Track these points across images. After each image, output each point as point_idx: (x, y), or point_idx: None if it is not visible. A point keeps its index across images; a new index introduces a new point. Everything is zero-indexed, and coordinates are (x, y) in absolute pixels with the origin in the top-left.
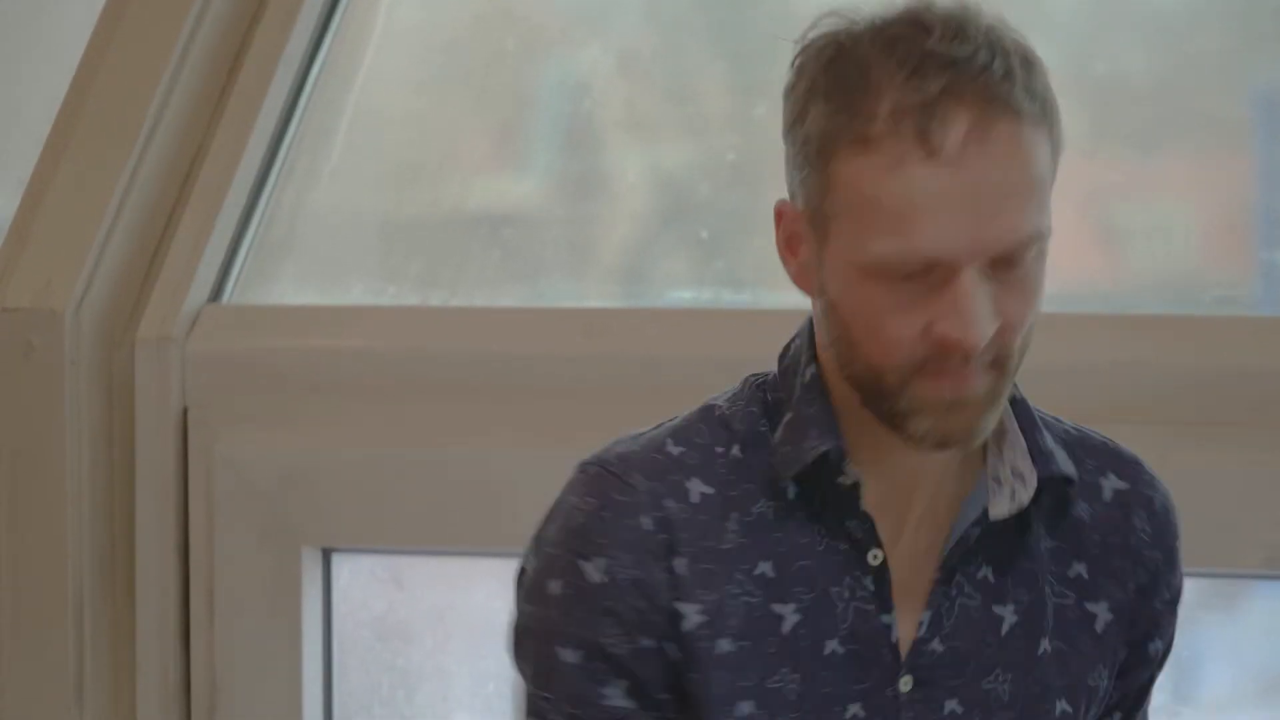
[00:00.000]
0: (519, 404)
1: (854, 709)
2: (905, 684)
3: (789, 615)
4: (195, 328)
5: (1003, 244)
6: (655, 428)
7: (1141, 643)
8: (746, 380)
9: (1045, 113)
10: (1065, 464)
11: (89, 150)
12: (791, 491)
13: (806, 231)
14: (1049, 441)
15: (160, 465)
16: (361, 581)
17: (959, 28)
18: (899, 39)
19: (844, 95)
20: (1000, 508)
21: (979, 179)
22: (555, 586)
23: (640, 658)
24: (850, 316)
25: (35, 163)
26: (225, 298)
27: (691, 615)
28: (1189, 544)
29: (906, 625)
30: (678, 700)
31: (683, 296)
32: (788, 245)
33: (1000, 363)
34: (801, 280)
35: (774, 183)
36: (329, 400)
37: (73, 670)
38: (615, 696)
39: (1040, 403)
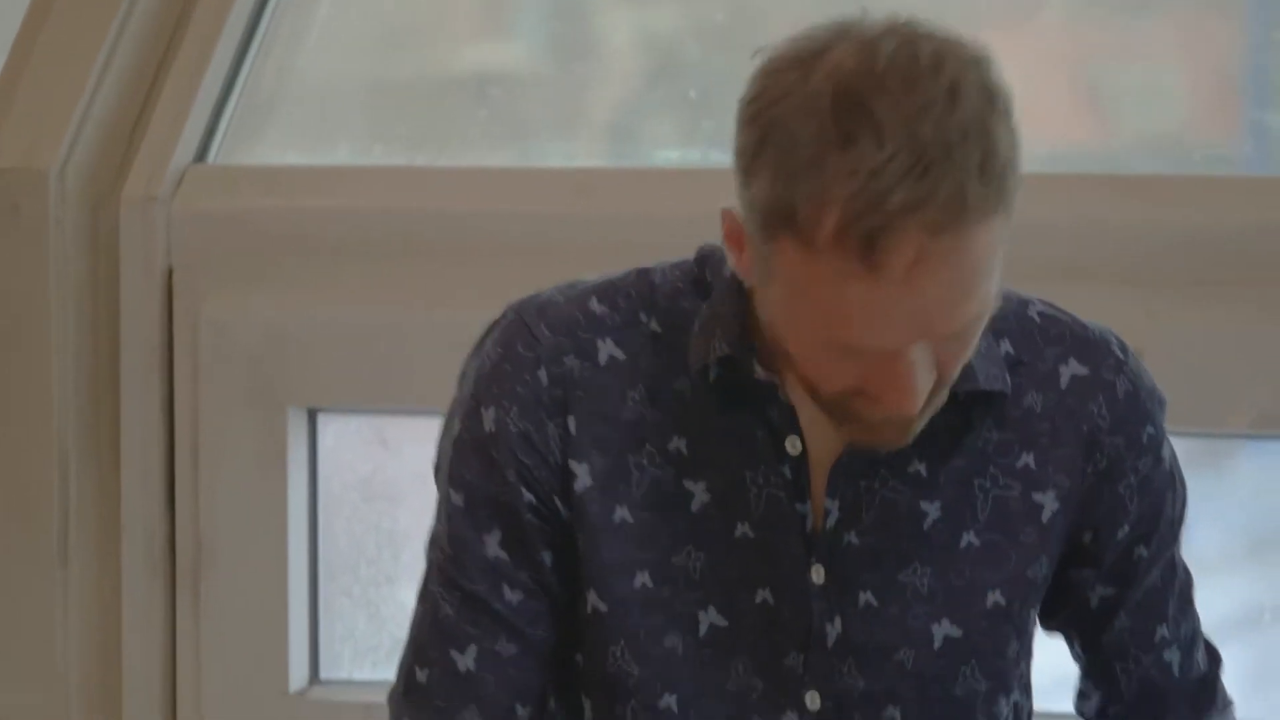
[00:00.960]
0: (507, 264)
1: (763, 594)
2: (817, 574)
3: (699, 494)
4: (180, 188)
5: (948, 332)
6: (597, 279)
7: (1105, 526)
8: (700, 249)
9: (1002, 195)
10: (991, 380)
11: (74, 11)
12: (713, 373)
13: (751, 255)
14: (988, 351)
15: (145, 325)
16: (347, 442)
17: (917, 110)
18: (855, 132)
19: (790, 183)
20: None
21: (925, 297)
22: (456, 427)
23: (522, 511)
24: (786, 343)
25: (20, 24)
26: (210, 158)
27: (583, 476)
28: (1178, 405)
29: (821, 515)
30: (562, 562)
31: (671, 156)
32: (732, 240)
33: (939, 385)
34: (744, 273)
35: (763, 43)
36: (315, 261)
37: (57, 530)
38: (491, 545)
39: (1030, 265)
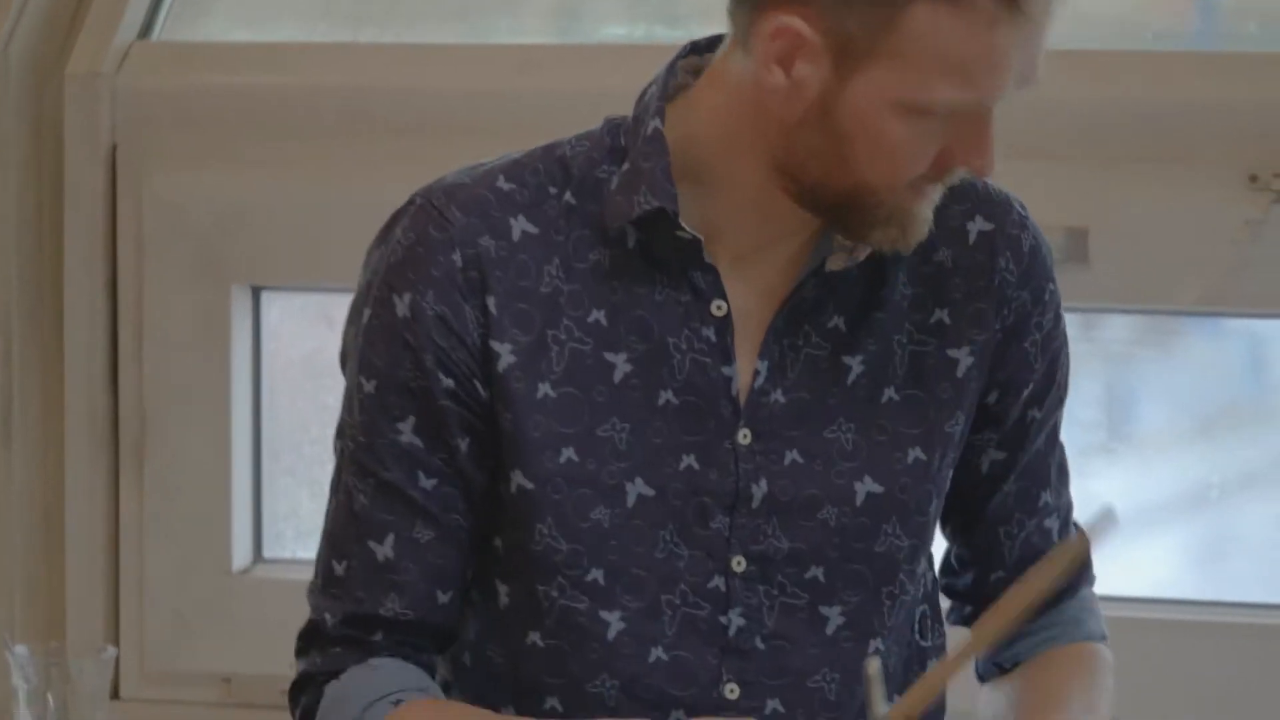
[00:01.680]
0: (452, 140)
1: (688, 460)
2: (743, 436)
3: (621, 364)
4: (125, 65)
5: (1038, 78)
6: (499, 159)
7: (1010, 385)
8: (607, 120)
9: None
10: None
11: None
12: (632, 240)
13: (823, 57)
14: None
15: (89, 203)
16: (291, 320)
17: None
18: None
19: None
20: (837, 262)
21: (1045, 31)
22: (367, 315)
23: (438, 396)
24: (859, 141)
25: None
26: (155, 35)
27: (505, 355)
28: (1126, 282)
29: (747, 377)
30: (478, 447)
31: (616, 33)
32: (780, 61)
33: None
34: (786, 95)
35: None
36: (260, 138)
37: (0, 408)
38: (405, 432)
39: None
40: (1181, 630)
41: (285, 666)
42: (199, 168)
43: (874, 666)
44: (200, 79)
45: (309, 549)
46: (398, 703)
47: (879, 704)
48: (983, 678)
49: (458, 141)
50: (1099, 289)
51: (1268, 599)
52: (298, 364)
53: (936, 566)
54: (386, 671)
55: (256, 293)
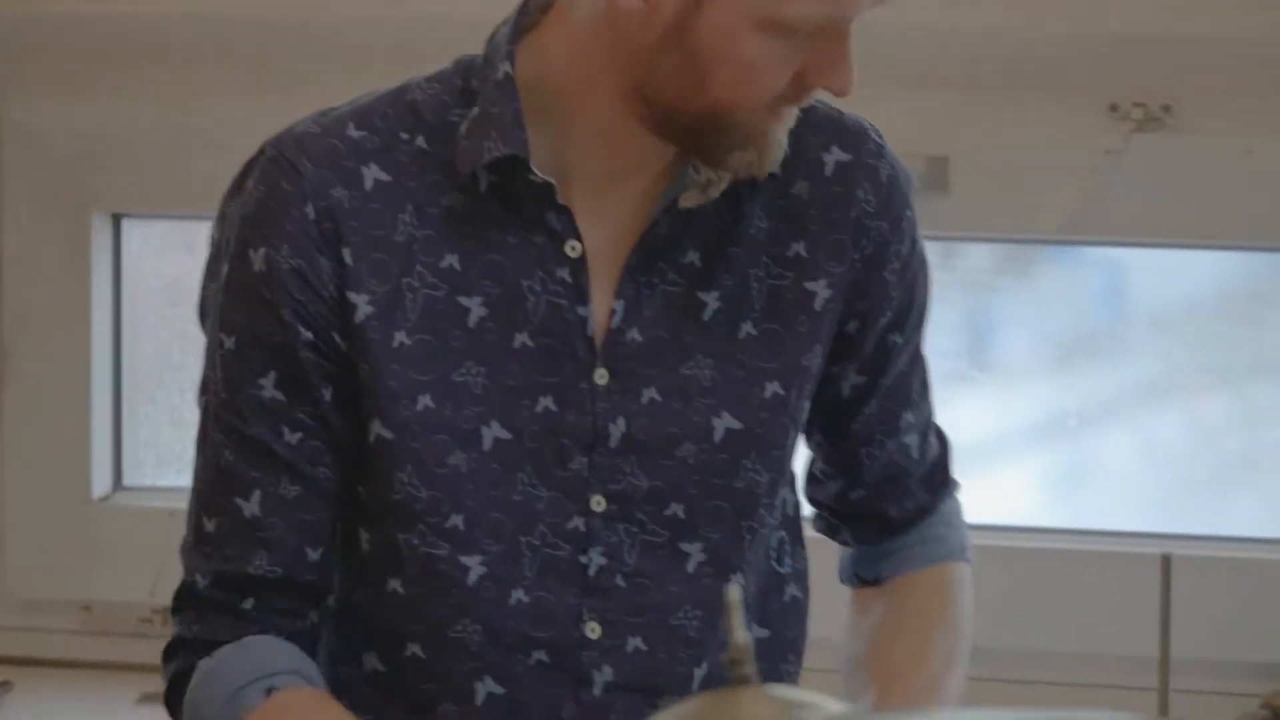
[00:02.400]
0: (316, 69)
1: (545, 402)
2: (600, 376)
3: (475, 308)
4: None
5: None
6: (349, 104)
7: (870, 313)
8: (457, 61)
9: None
10: None
11: None
12: (484, 184)
13: None
14: None
15: None
16: (152, 248)
17: None
18: None
19: None
20: (690, 199)
21: None
22: (224, 270)
23: (298, 349)
24: (717, 61)
25: None
26: None
27: (363, 306)
28: (987, 211)
29: (603, 317)
30: (342, 397)
31: None
32: None
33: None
34: (643, 18)
35: None
36: (121, 65)
37: None
38: (266, 387)
39: None
40: (1040, 558)
41: (145, 594)
42: (58, 95)
43: (734, 593)
44: (58, 5)
45: (169, 477)
46: (269, 690)
47: (739, 630)
48: (843, 582)
49: (321, 70)
50: (959, 218)
51: (1125, 527)
52: (159, 292)
53: (801, 475)
54: (260, 651)
55: (117, 220)
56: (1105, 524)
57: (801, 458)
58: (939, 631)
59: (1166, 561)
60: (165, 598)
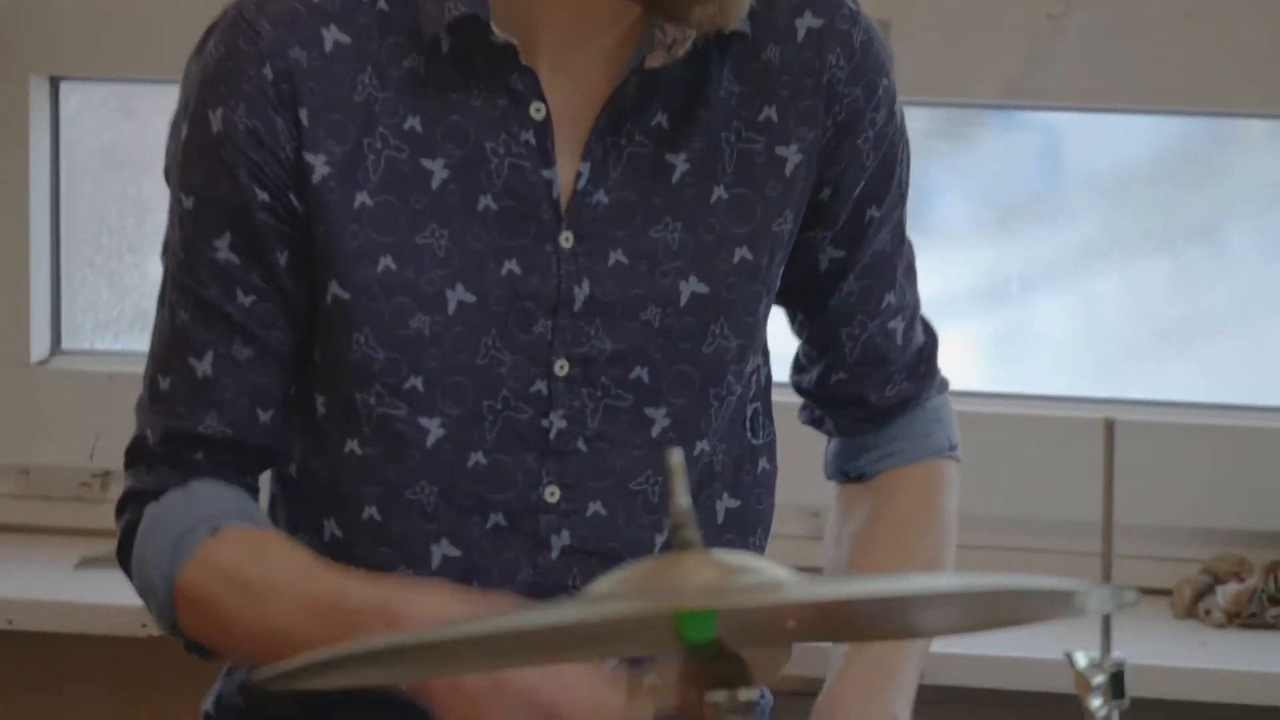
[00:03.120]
0: None
1: (509, 265)
2: (565, 240)
3: (438, 171)
4: None
5: None
6: None
7: (843, 182)
8: None
9: None
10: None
11: None
12: (446, 46)
13: None
14: None
15: None
16: (91, 110)
17: None
18: None
19: None
20: (656, 59)
21: None
22: (184, 131)
23: (255, 211)
24: None
25: None
26: None
27: (320, 167)
28: (928, 74)
29: (568, 180)
30: (298, 262)
31: None
32: None
33: None
34: None
35: None
36: None
37: None
38: (222, 249)
39: None
40: (982, 422)
41: (84, 458)
42: None
43: (676, 457)
44: None
45: (107, 341)
46: (214, 530)
47: (680, 495)
48: (829, 478)
49: None
50: (899, 82)
51: (1064, 392)
52: (97, 155)
53: (788, 364)
54: (205, 496)
55: (55, 83)
56: (1046, 389)
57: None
58: (922, 536)
59: (1110, 426)
60: (104, 462)
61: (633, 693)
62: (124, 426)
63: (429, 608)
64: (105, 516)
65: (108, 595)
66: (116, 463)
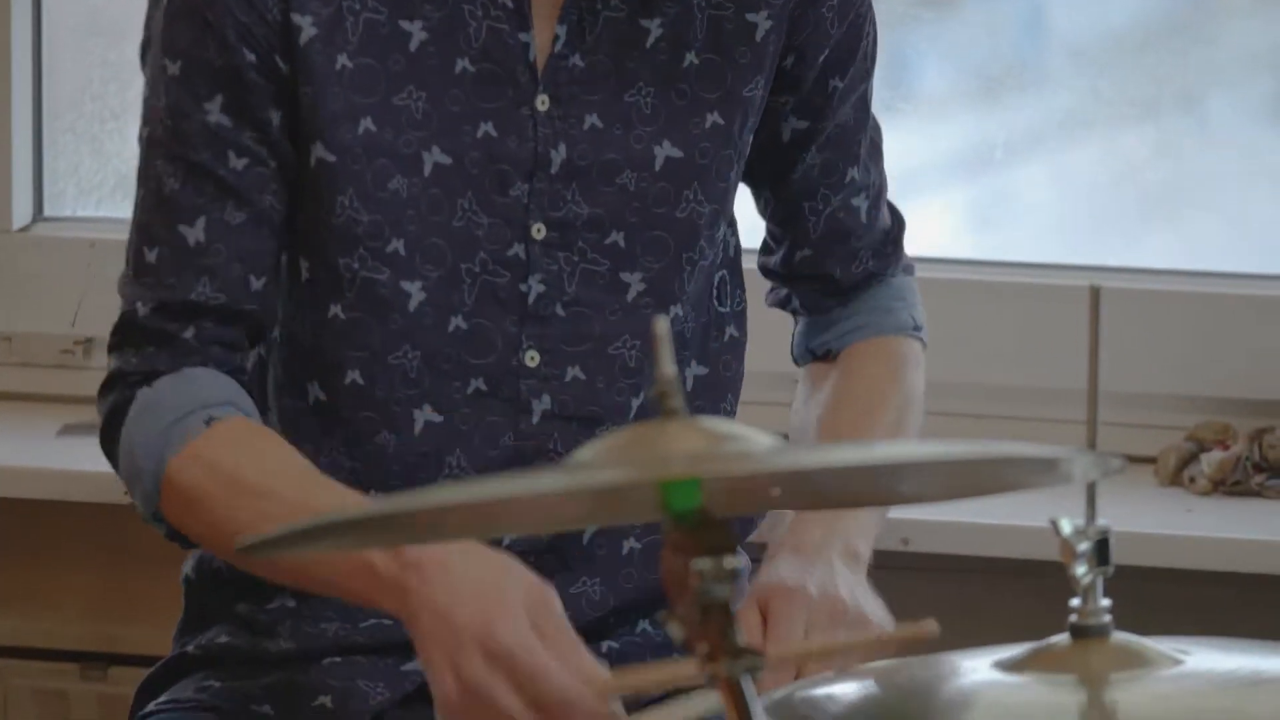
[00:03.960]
0: None
1: (485, 128)
2: (542, 102)
3: (416, 33)
4: None
5: None
6: None
7: (807, 50)
8: None
9: None
10: None
11: None
12: None
13: None
14: None
15: None
16: None
17: None
18: None
19: None
20: None
21: None
22: None
23: (244, 71)
24: None
25: None
26: None
27: (306, 28)
28: None
29: (545, 43)
30: (287, 123)
31: None
32: None
33: None
34: None
35: None
36: None
37: None
38: (213, 111)
39: None
40: (967, 290)
41: (66, 325)
42: None
43: (662, 325)
44: None
45: (89, 208)
46: (209, 420)
47: (666, 363)
48: (797, 360)
49: None
50: None
51: (1048, 259)
52: (80, 20)
53: (756, 237)
54: (198, 383)
55: None
56: (1030, 256)
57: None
58: (885, 400)
59: (1095, 293)
60: (87, 329)
61: (616, 678)
62: (107, 293)
63: None
64: (88, 384)
65: (91, 462)
66: (99, 329)
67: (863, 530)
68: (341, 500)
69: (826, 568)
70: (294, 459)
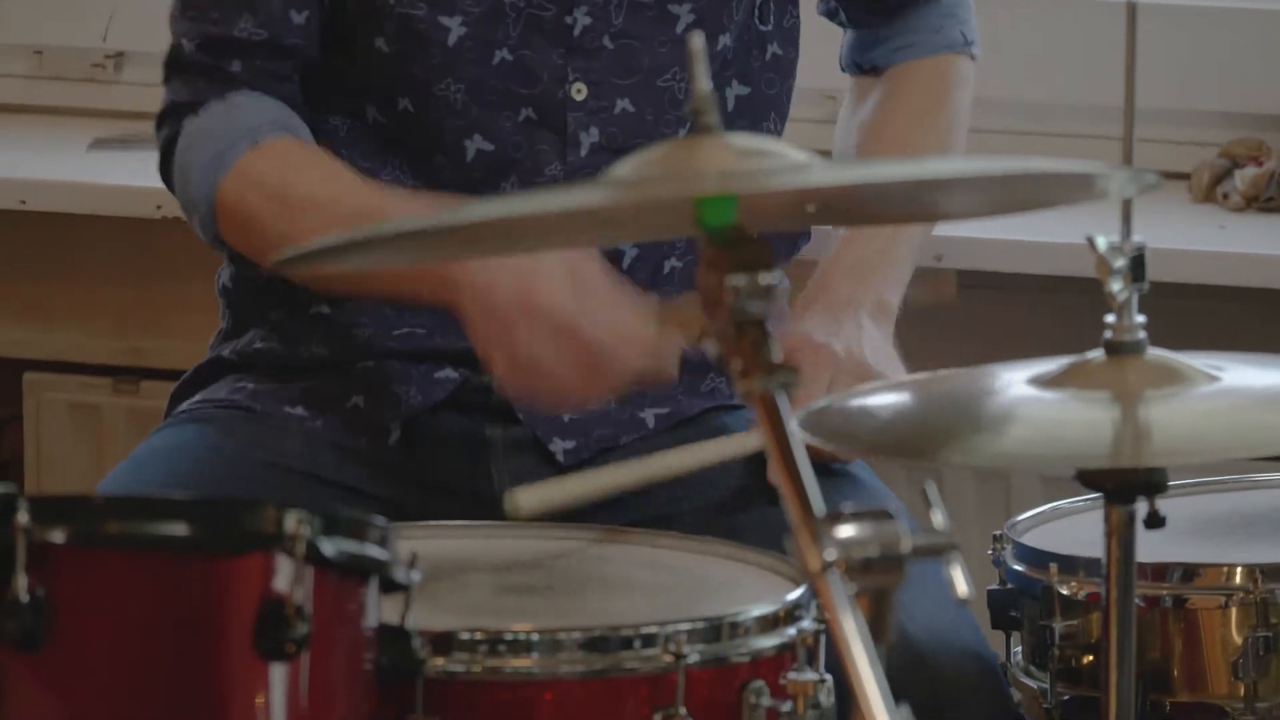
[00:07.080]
0: None
1: (526, 113)
2: (578, 92)
3: (455, 28)
4: None
5: None
6: None
7: None
8: None
9: None
10: None
11: None
12: None
13: None
14: None
15: None
16: None
17: None
18: None
19: None
20: None
21: None
22: None
23: None
24: None
25: None
26: None
27: None
28: None
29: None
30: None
31: None
32: None
33: None
34: None
35: None
36: None
37: None
38: None
39: None
40: (1005, 5)
41: (97, 39)
42: None
43: (697, 41)
44: None
45: None
46: (255, 142)
47: (701, 79)
48: (844, 69)
49: None
50: None
51: None
52: None
53: None
54: (245, 108)
55: None
56: None
57: None
58: (930, 125)
59: (1132, 9)
60: (118, 42)
61: (662, 323)
62: (138, 6)
63: None
64: (118, 98)
65: (121, 176)
66: (129, 44)
67: (896, 281)
68: (380, 206)
69: (854, 326)
70: (340, 171)
